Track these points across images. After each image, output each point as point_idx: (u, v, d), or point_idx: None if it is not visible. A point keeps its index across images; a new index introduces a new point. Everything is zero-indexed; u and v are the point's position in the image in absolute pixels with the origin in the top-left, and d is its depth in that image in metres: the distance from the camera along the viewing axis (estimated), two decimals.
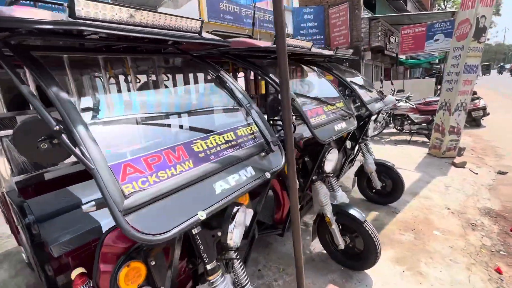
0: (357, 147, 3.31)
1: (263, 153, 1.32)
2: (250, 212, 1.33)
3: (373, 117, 3.17)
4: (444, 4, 32.15)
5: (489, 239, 2.67)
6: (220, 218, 1.13)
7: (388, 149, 5.80)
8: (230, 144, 1.25)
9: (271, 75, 1.90)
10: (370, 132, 3.27)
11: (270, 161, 1.30)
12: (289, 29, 12.71)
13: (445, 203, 3.37)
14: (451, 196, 3.54)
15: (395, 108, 6.09)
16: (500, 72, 40.30)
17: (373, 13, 12.81)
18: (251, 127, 1.40)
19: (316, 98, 2.13)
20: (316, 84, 2.82)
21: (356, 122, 2.38)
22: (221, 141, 1.23)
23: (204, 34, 1.37)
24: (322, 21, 13.11)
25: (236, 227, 1.15)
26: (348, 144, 3.15)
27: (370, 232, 2.09)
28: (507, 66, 42.67)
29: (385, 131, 7.11)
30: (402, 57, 16.05)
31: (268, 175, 1.22)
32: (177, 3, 10.13)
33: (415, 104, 5.94)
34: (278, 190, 2.25)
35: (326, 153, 2.09)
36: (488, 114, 7.31)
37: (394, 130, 6.55)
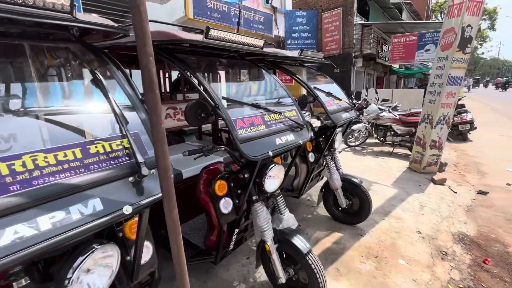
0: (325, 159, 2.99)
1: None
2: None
3: (339, 129, 2.86)
4: (441, 16, 32.37)
5: (459, 272, 2.36)
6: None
7: (368, 160, 5.51)
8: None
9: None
10: (337, 145, 2.96)
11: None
12: (281, 32, 12.45)
13: (417, 226, 3.06)
14: (424, 218, 3.24)
15: (378, 118, 5.82)
16: (485, 86, 46.68)
17: (366, 19, 12.63)
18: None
19: (255, 105, 1.81)
20: (268, 90, 2.50)
21: (309, 134, 2.05)
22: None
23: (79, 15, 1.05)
24: (315, 25, 12.89)
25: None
26: (311, 157, 2.83)
27: (313, 267, 1.76)
28: (492, 80, 50.76)
29: (368, 141, 6.84)
30: (396, 66, 15.93)
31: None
32: None
33: (398, 115, 5.68)
34: (211, 210, 1.90)
35: (267, 170, 1.76)
36: (475, 128, 7.10)
37: (377, 141, 6.27)
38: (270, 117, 1.86)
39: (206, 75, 2.83)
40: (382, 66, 14.65)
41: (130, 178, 0.98)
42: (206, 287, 2.18)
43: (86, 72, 1.24)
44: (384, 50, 13.04)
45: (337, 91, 3.26)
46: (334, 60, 12.35)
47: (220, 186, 1.72)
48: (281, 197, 2.07)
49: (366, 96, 6.86)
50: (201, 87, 1.58)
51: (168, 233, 0.92)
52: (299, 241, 1.82)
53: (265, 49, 2.20)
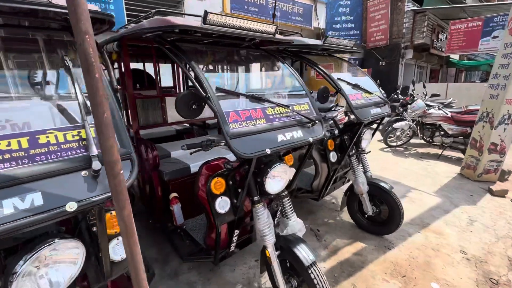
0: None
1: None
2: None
3: (368, 126, 2.52)
4: None
5: None
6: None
7: (410, 163, 4.89)
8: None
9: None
10: (365, 144, 2.62)
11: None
12: (321, 24, 11.83)
13: (462, 244, 2.58)
14: (473, 235, 2.72)
15: (425, 116, 5.11)
16: None
17: (419, 5, 11.25)
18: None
19: (254, 97, 1.62)
20: (281, 82, 2.29)
21: (323, 131, 1.79)
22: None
23: None
24: (359, 15, 11.96)
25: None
26: (333, 156, 2.56)
27: (315, 282, 1.55)
28: None
29: (412, 141, 6.10)
30: (455, 57, 13.99)
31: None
32: None
33: (450, 112, 4.90)
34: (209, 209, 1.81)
35: (269, 169, 1.59)
36: None
37: (423, 142, 5.53)
38: (274, 110, 1.67)
39: (214, 66, 2.78)
40: (437, 57, 12.99)
41: (83, 172, 0.90)
42: (209, 285, 2.11)
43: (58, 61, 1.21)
44: (441, 39, 11.51)
45: (369, 84, 2.88)
46: (380, 52, 11.33)
47: (217, 184, 1.60)
48: (288, 200, 1.87)
49: (413, 91, 6.07)
50: (193, 75, 1.47)
51: (121, 234, 0.82)
52: (303, 251, 1.62)
53: (282, 37, 2.01)
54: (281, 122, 1.64)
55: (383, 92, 2.81)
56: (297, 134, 1.65)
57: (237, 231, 1.82)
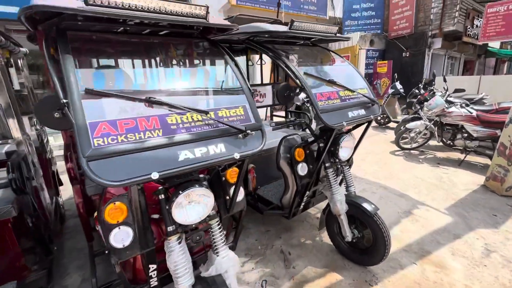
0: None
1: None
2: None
3: (349, 132, 2.03)
4: None
5: None
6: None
7: (424, 170, 4.20)
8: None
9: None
10: (345, 154, 2.12)
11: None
12: (337, 12, 10.98)
13: (469, 284, 2.01)
14: (487, 272, 2.13)
15: (444, 115, 4.36)
16: None
17: None
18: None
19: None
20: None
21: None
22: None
23: None
24: (381, 1, 10.92)
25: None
26: (301, 169, 2.11)
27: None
28: None
29: (431, 143, 5.33)
30: (495, 45, 12.35)
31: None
32: None
33: (477, 110, 4.12)
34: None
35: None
36: None
37: (442, 145, 4.76)
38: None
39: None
40: (472, 46, 11.54)
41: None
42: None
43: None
44: (477, 26, 10.15)
45: (354, 77, 2.36)
46: (404, 42, 10.28)
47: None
48: (218, 226, 1.51)
49: (433, 84, 5.26)
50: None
51: None
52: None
53: (220, 22, 1.59)
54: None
55: (369, 88, 2.27)
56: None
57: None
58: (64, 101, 1.02)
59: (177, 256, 1.32)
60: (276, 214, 2.55)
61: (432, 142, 5.37)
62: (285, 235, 2.64)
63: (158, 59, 1.70)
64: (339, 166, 2.26)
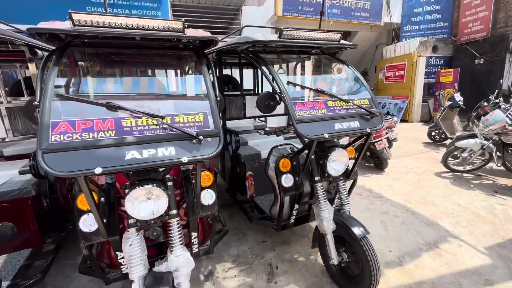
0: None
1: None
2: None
3: (338, 145, 1.88)
4: None
5: None
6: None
7: (472, 198, 3.51)
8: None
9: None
10: (335, 168, 1.97)
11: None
12: (395, 18, 10.14)
13: None
14: None
15: (506, 133, 3.58)
16: None
17: None
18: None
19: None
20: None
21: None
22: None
23: None
24: (449, 2, 9.68)
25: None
26: (286, 180, 2.04)
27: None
28: None
29: (491, 165, 4.41)
30: None
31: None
32: (261, 0, 10.11)
33: None
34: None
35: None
36: None
37: (504, 169, 3.89)
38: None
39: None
40: None
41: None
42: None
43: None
44: None
45: (358, 87, 2.18)
46: (477, 47, 8.86)
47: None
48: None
49: (500, 96, 4.35)
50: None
51: None
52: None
53: (198, 34, 1.71)
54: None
55: (373, 99, 2.05)
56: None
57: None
58: (36, 103, 1.25)
59: (133, 247, 1.44)
60: (265, 225, 2.49)
61: (492, 165, 4.44)
62: (280, 248, 2.55)
63: (137, 68, 1.90)
64: (332, 181, 2.10)
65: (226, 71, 4.40)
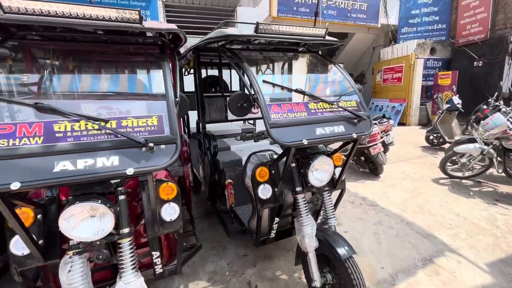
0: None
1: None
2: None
3: (320, 151, 1.67)
4: None
5: None
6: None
7: (471, 207, 3.29)
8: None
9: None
10: (318, 177, 1.75)
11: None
12: (392, 19, 9.99)
13: None
14: None
15: (508, 138, 3.38)
16: None
17: None
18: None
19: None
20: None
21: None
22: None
23: None
24: (447, 3, 9.55)
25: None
26: (263, 191, 1.82)
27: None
28: None
29: (491, 171, 4.20)
30: None
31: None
32: (256, 1, 9.96)
33: None
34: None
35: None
36: None
37: (505, 175, 3.68)
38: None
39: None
40: None
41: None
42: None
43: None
44: None
45: (345, 88, 1.97)
46: (475, 49, 8.70)
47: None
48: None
49: (500, 100, 4.16)
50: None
51: None
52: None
53: (157, 25, 1.50)
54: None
55: (360, 101, 1.84)
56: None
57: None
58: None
59: (72, 273, 1.22)
60: (243, 240, 2.27)
61: (492, 171, 4.23)
62: (261, 264, 2.33)
63: (91, 65, 1.68)
64: (315, 191, 1.88)
65: (214, 72, 4.21)
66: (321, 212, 2.08)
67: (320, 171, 1.76)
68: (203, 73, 3.84)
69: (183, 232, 2.30)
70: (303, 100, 1.74)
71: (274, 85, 1.75)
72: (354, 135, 1.67)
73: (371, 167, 4.47)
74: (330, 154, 2.04)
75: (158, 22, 1.74)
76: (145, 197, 1.54)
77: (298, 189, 1.79)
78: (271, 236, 2.05)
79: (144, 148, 1.18)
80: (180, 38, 1.63)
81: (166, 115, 1.30)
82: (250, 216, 2.09)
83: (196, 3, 9.54)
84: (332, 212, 1.91)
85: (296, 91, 1.71)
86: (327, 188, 1.91)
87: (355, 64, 13.33)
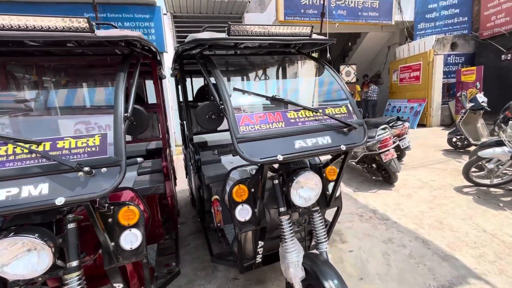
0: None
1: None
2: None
3: (302, 167, 1.45)
4: None
5: None
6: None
7: (499, 220, 2.85)
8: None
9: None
10: (303, 195, 1.52)
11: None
12: (407, 16, 9.47)
13: None
14: None
15: None
16: None
17: None
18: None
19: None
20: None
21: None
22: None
23: None
24: None
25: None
26: (241, 212, 1.61)
27: None
28: None
29: None
30: None
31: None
32: (264, 6, 9.88)
33: None
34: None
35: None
36: None
37: None
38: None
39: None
40: None
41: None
42: None
43: None
44: None
45: (334, 91, 1.73)
46: (502, 41, 8.00)
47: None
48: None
49: None
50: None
51: None
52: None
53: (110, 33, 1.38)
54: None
55: (352, 106, 1.59)
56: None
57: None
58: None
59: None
60: (226, 265, 2.05)
61: None
62: None
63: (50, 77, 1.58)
64: (302, 212, 1.64)
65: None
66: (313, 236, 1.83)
67: (306, 189, 1.53)
68: (201, 82, 3.73)
69: (165, 255, 2.13)
70: (283, 109, 1.52)
71: (244, 92, 1.55)
72: (343, 147, 1.43)
73: (384, 175, 4.10)
74: (322, 168, 1.80)
75: (119, 30, 1.62)
76: (105, 222, 1.38)
77: (282, 209, 1.57)
78: (257, 261, 1.83)
79: (81, 173, 1.03)
80: (149, 46, 1.49)
81: (112, 133, 1.14)
82: (233, 239, 1.88)
83: (203, 12, 9.62)
84: (324, 235, 1.66)
85: (273, 98, 1.49)
86: (317, 208, 1.66)
87: (370, 64, 12.79)
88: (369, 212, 3.23)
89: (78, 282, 1.19)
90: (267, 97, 1.51)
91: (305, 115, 1.49)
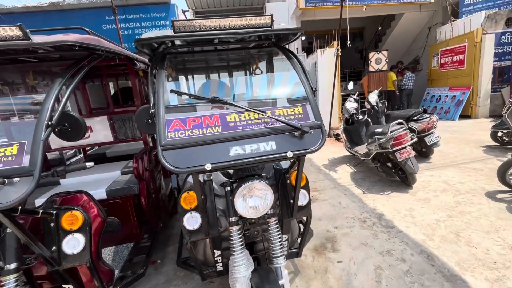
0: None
1: None
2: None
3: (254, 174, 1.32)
4: None
5: None
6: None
7: None
8: None
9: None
10: (251, 205, 1.38)
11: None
12: None
13: None
14: None
15: None
16: None
17: None
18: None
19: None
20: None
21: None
22: None
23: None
24: None
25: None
26: (189, 220, 1.55)
27: None
28: None
29: None
30: None
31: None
32: None
33: None
34: None
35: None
36: None
37: None
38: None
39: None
40: None
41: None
42: None
43: None
44: None
45: (294, 88, 1.54)
46: None
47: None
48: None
49: None
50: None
51: None
52: None
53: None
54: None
55: (312, 106, 1.38)
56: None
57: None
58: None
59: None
60: (189, 271, 1.99)
61: None
62: None
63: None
64: (255, 222, 1.50)
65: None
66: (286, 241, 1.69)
67: (255, 198, 1.39)
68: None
69: (137, 255, 2.16)
70: (226, 110, 1.38)
71: (180, 94, 1.44)
72: (289, 154, 1.25)
73: (400, 175, 3.67)
74: (286, 173, 1.63)
75: (61, 35, 1.61)
76: (47, 227, 1.42)
77: (232, 219, 1.45)
78: (218, 269, 1.74)
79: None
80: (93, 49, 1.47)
81: (30, 142, 1.13)
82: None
83: (224, 6, 9.57)
84: (280, 249, 1.50)
85: (213, 100, 1.36)
86: (274, 219, 1.51)
87: (407, 49, 11.56)
88: (373, 217, 2.92)
89: (15, 284, 1.23)
90: (206, 99, 1.38)
91: (249, 117, 1.33)
